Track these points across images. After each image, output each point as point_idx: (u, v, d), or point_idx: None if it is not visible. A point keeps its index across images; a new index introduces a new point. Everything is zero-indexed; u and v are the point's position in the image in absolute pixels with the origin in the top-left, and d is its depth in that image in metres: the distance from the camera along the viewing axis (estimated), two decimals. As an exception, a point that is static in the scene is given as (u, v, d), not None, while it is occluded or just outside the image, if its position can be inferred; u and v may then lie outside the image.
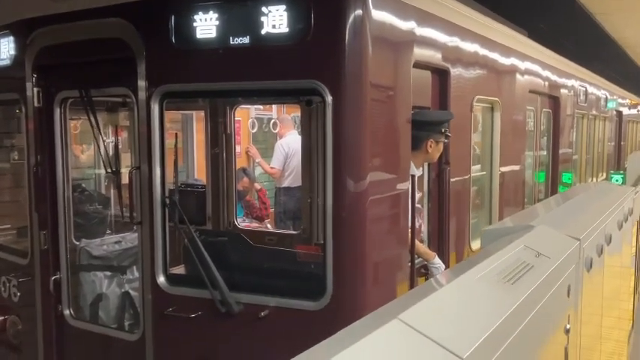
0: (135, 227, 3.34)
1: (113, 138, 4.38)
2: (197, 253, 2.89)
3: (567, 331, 2.13)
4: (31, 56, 3.43)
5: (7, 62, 3.64)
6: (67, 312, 3.54)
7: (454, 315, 1.32)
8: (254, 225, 6.15)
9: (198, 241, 2.97)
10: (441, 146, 3.54)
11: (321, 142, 2.94)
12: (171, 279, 3.07)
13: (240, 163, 6.20)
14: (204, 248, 2.91)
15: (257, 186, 7.20)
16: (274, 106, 8.02)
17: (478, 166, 4.44)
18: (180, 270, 3.32)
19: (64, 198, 3.54)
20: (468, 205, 4.08)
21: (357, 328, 1.23)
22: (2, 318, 3.80)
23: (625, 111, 13.50)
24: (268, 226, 6.47)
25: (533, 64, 5.74)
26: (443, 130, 3.49)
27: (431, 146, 3.47)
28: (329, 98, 2.65)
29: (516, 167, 5.23)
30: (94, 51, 3.27)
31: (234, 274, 3.01)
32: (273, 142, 7.74)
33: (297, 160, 6.30)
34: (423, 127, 3.36)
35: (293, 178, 6.63)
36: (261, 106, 7.65)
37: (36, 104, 3.47)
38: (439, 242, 3.65)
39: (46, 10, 3.30)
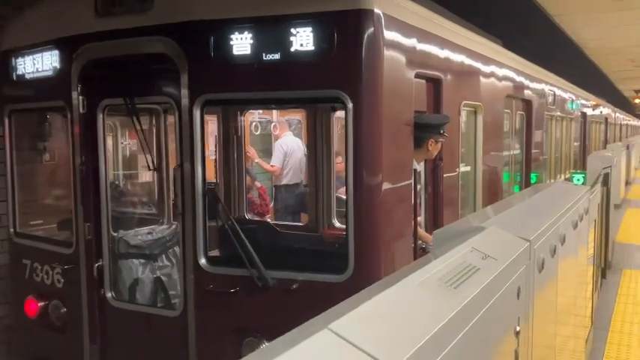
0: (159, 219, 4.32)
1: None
2: (237, 238, 3.35)
3: (517, 334, 2.10)
4: (77, 68, 3.79)
5: (50, 73, 3.99)
6: (109, 294, 3.92)
7: (389, 323, 1.27)
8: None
9: (238, 227, 3.40)
10: (439, 145, 4.04)
11: (325, 142, 4.16)
12: (211, 260, 3.50)
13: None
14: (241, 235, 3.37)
15: (257, 184, 7.56)
16: (273, 111, 8.18)
17: (464, 163, 4.94)
18: (216, 253, 3.72)
19: (105, 194, 3.92)
20: (457, 195, 4.62)
21: (286, 339, 1.16)
22: (44, 303, 4.11)
23: (589, 112, 14.18)
24: (268, 220, 6.64)
25: (509, 71, 6.24)
26: (441, 132, 3.99)
27: (431, 145, 3.97)
28: (350, 105, 3.10)
29: (496, 164, 5.86)
30: (138, 64, 3.72)
31: (267, 254, 3.39)
32: (269, 144, 8.33)
33: (294, 158, 7.04)
34: (426, 129, 3.85)
35: (291, 176, 7.20)
36: (260, 110, 7.86)
37: (81, 111, 3.84)
38: (434, 226, 4.10)
39: (93, 28, 3.69)
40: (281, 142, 7.49)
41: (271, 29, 3.22)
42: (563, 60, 13.05)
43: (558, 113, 9.48)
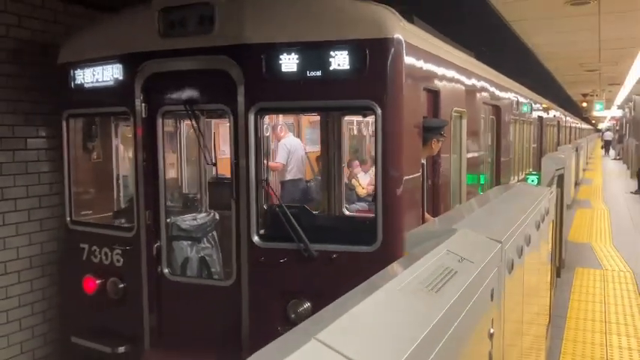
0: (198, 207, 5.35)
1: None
2: (286, 219, 4.03)
3: (491, 336, 2.10)
4: (141, 80, 4.42)
5: (112, 83, 4.59)
6: (166, 270, 4.55)
7: (376, 331, 1.23)
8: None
9: (287, 210, 4.10)
10: (440, 144, 4.85)
11: (337, 142, 5.34)
12: (262, 237, 4.16)
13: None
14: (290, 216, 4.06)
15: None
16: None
17: (454, 157, 5.86)
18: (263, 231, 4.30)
19: (163, 186, 4.56)
20: (449, 184, 5.56)
21: (270, 352, 1.10)
22: (102, 280, 4.71)
23: (544, 116, 15.28)
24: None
25: (484, 81, 7.12)
26: (442, 133, 4.80)
27: (434, 144, 4.74)
28: (379, 111, 3.86)
29: (476, 160, 6.90)
30: (197, 77, 4.35)
31: (309, 232, 4.05)
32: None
33: (297, 156, 7.94)
34: (430, 131, 4.61)
35: (295, 172, 8.03)
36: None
37: (143, 116, 4.47)
38: (434, 209, 5.02)
39: (156, 47, 4.31)
40: (285, 142, 8.16)
41: (314, 52, 3.93)
42: (518, 65, 13.58)
43: (520, 117, 10.48)
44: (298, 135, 9.06)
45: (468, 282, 1.73)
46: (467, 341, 1.75)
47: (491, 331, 2.09)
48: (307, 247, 3.97)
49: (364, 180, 7.62)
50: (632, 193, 18.12)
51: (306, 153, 8.27)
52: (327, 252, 3.97)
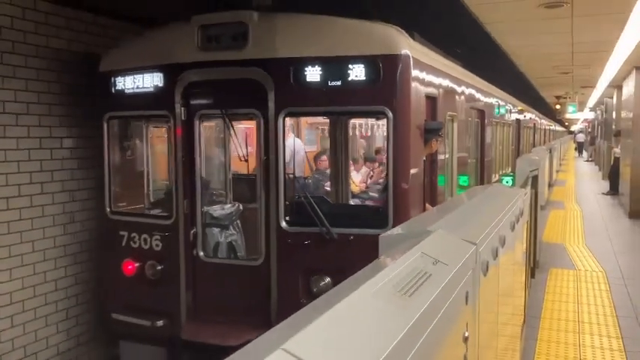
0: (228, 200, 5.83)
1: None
2: (310, 207, 4.63)
3: (466, 339, 2.07)
4: (180, 87, 4.98)
5: (152, 89, 5.15)
6: (201, 253, 5.13)
7: (347, 338, 1.18)
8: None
9: (312, 200, 4.72)
10: (438, 143, 5.49)
11: (344, 142, 6.06)
12: (289, 222, 4.76)
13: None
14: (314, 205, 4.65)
15: None
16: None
17: (447, 155, 6.56)
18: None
19: (199, 179, 5.15)
20: (444, 177, 6.32)
21: (236, 362, 1.05)
22: (141, 263, 5.25)
23: (521, 118, 16.22)
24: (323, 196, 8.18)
25: (471, 88, 7.82)
26: (440, 134, 5.45)
27: (434, 143, 5.33)
28: (390, 115, 4.47)
29: (465, 158, 7.71)
30: (231, 85, 4.91)
31: (330, 217, 4.63)
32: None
33: (299, 156, 8.08)
34: (431, 132, 5.18)
35: (297, 171, 8.34)
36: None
37: (182, 118, 5.03)
38: (432, 199, 5.61)
39: (194, 58, 4.89)
40: (288, 143, 8.45)
41: (334, 65, 4.54)
42: (493, 66, 13.75)
43: (501, 120, 11.38)
44: (298, 136, 9.32)
45: (442, 285, 1.70)
46: (441, 346, 1.71)
47: (466, 334, 2.06)
48: (329, 230, 4.58)
49: (357, 178, 7.95)
50: (604, 194, 18.44)
51: (305, 152, 8.58)
52: (345, 235, 4.56)
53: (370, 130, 11.29)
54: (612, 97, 21.28)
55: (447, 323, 1.79)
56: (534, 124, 21.92)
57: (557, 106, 26.39)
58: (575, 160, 40.37)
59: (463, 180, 7.38)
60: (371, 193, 7.12)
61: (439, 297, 1.65)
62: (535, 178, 7.65)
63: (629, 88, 14.89)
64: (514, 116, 14.11)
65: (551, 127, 37.92)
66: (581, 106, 28.85)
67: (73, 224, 5.94)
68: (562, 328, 6.26)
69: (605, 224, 13.08)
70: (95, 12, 6.05)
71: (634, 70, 13.79)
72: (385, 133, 4.71)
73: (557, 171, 26.43)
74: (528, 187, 6.37)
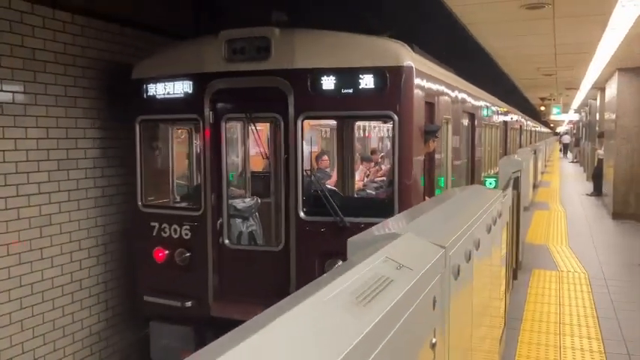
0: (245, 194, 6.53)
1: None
2: (326, 199, 5.24)
3: (433, 346, 2.01)
4: (209, 94, 5.61)
5: (182, 95, 5.74)
6: (226, 241, 5.74)
7: (290, 350, 1.11)
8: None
9: (327, 192, 5.35)
10: (435, 143, 6.07)
11: (350, 143, 6.78)
12: (306, 212, 5.37)
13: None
14: (329, 197, 5.29)
15: None
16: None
17: (442, 154, 7.17)
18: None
19: (226, 175, 5.78)
20: (441, 173, 6.95)
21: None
22: (170, 251, 5.83)
23: (508, 121, 16.96)
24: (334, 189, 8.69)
25: (463, 93, 8.52)
26: (437, 135, 6.05)
27: (431, 143, 5.92)
28: (396, 118, 5.11)
29: (458, 156, 8.50)
30: (255, 92, 5.52)
31: (343, 208, 5.23)
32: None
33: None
34: (429, 133, 5.80)
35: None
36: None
37: (210, 122, 5.66)
38: (429, 192, 6.20)
39: (222, 68, 5.52)
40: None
41: (347, 75, 5.16)
42: (478, 69, 13.84)
43: (489, 122, 12.16)
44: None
45: (404, 291, 1.63)
46: (403, 354, 1.65)
47: (434, 340, 2.00)
48: (342, 219, 5.19)
49: (356, 176, 8.36)
50: (588, 195, 18.54)
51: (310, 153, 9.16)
52: (356, 223, 5.01)
53: (365, 133, 11.50)
54: (596, 99, 21.43)
55: (411, 331, 1.72)
56: (520, 125, 22.64)
57: (542, 108, 26.53)
58: (561, 162, 40.66)
59: (455, 173, 8.30)
60: (368, 191, 7.66)
61: (400, 303, 1.58)
62: (517, 180, 7.63)
63: (611, 89, 14.99)
64: (501, 118, 14.83)
65: (537, 129, 38.25)
66: (565, 108, 29.05)
67: (103, 217, 6.63)
68: (543, 329, 6.24)
69: (588, 225, 13.13)
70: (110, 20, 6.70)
71: (616, 72, 13.88)
72: (386, 135, 5.83)
73: (542, 172, 26.57)
74: (509, 189, 6.34)
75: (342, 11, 7.59)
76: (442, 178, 7.30)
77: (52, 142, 5.90)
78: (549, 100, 24.18)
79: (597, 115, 20.60)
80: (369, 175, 8.44)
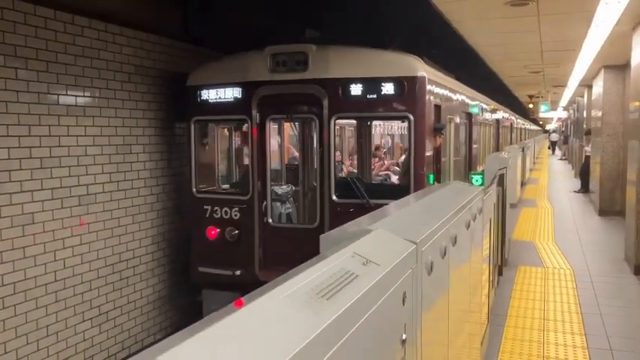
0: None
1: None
2: (354, 184, 6.41)
3: (403, 342, 2.00)
4: (256, 99, 6.66)
5: (232, 100, 6.81)
6: (270, 220, 6.79)
7: (239, 348, 1.09)
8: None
9: (355, 180, 6.51)
10: (441, 139, 7.22)
11: (367, 140, 8.01)
12: (338, 195, 6.41)
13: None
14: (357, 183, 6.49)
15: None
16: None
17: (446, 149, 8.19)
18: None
19: (269, 166, 6.81)
20: (445, 166, 8.02)
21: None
22: (221, 229, 6.90)
23: (500, 119, 18.14)
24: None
25: (463, 95, 9.62)
26: (442, 132, 7.10)
27: (438, 139, 6.99)
28: (412, 118, 6.16)
29: (458, 151, 9.60)
30: (295, 97, 6.60)
31: (367, 192, 6.39)
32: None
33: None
34: (437, 130, 6.83)
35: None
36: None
37: (257, 122, 6.71)
38: (437, 179, 7.06)
39: (267, 78, 6.59)
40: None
41: (371, 83, 6.23)
42: (465, 67, 13.96)
43: (483, 121, 13.33)
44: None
45: (368, 286, 1.62)
46: (369, 350, 1.63)
47: (404, 337, 1.99)
48: (368, 201, 6.24)
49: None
50: (575, 192, 18.65)
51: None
52: (379, 204, 5.70)
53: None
54: (583, 96, 21.55)
55: (377, 326, 1.71)
56: (511, 123, 23.43)
57: (531, 105, 26.64)
58: (549, 159, 40.88)
59: (456, 165, 9.45)
60: (373, 182, 8.29)
61: (363, 299, 1.57)
62: (502, 177, 7.65)
63: (598, 87, 15.07)
64: (494, 117, 16.06)
65: (527, 127, 38.48)
66: (554, 105, 29.19)
67: (157, 203, 7.60)
68: (527, 325, 6.26)
69: (575, 222, 13.21)
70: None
71: (602, 69, 13.95)
72: (396, 133, 7.31)
73: (531, 169, 26.69)
74: (494, 185, 6.35)
75: (352, 23, 9.30)
76: (447, 170, 8.38)
77: (119, 139, 6.90)
78: (537, 97, 24.29)
79: (584, 112, 20.72)
80: (374, 169, 9.16)
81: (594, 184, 15.55)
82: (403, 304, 1.99)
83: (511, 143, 22.41)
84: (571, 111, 32.10)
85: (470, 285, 3.85)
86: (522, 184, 18.89)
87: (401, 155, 10.42)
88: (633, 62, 8.99)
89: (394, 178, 8.86)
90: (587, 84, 18.17)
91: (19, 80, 5.57)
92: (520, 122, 31.14)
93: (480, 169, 11.37)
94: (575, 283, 7.97)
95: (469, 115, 10.64)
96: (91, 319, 6.52)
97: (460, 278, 3.36)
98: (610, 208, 14.03)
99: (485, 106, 13.33)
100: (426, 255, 2.33)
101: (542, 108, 24.01)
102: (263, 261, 6.77)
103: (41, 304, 5.84)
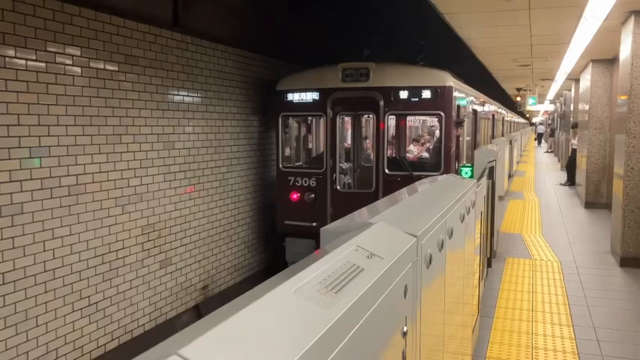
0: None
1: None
2: (402, 161, 9.09)
3: (405, 334, 2.02)
4: (330, 101, 8.91)
5: (311, 101, 9.08)
6: (338, 187, 9.02)
7: (257, 341, 1.10)
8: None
9: (405, 160, 9.17)
10: (460, 130, 9.24)
11: (403, 131, 10.84)
12: (389, 168, 8.68)
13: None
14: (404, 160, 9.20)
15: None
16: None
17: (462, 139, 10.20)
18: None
19: (339, 148, 9.08)
20: (462, 149, 10.21)
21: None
22: (301, 194, 9.16)
23: (495, 113, 19.63)
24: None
25: (472, 96, 11.60)
26: (462, 125, 9.28)
27: (459, 130, 9.12)
28: (443, 115, 8.46)
29: (469, 140, 11.85)
30: (359, 100, 8.80)
31: (411, 166, 8.88)
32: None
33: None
34: (459, 124, 8.95)
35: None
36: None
37: (330, 117, 8.94)
38: (458, 158, 9.29)
39: (339, 85, 8.87)
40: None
41: (414, 90, 8.45)
42: (456, 60, 14.05)
43: (484, 116, 15.43)
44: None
45: (373, 280, 1.63)
46: (374, 343, 1.65)
47: (405, 329, 2.01)
48: (411, 173, 8.55)
49: (414, 151, 11.43)
50: (561, 184, 18.83)
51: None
52: (420, 175, 8.05)
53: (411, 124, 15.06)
54: (570, 90, 21.70)
55: (382, 319, 1.72)
56: (503, 117, 24.58)
57: (518, 98, 26.78)
58: (536, 151, 41.18)
59: (467, 151, 11.32)
60: (419, 158, 10.55)
61: (370, 292, 1.58)
62: (492, 169, 7.70)
63: (585, 81, 15.19)
64: (491, 112, 18.22)
65: (516, 120, 38.89)
66: (541, 99, 29.37)
67: (252, 179, 9.88)
68: (516, 317, 6.34)
69: (561, 214, 13.35)
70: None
71: (590, 64, 14.06)
72: (434, 125, 9.97)
73: (518, 162, 26.88)
74: (484, 178, 6.39)
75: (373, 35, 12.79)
76: (463, 152, 10.42)
77: (225, 135, 8.92)
78: (525, 90, 24.42)
79: (571, 105, 20.87)
80: (415, 152, 11.58)
81: (580, 176, 15.71)
82: (405, 297, 2.01)
83: (503, 135, 23.57)
84: (558, 104, 32.33)
85: (463, 277, 3.88)
86: (510, 176, 19.03)
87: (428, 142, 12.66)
88: (621, 56, 9.07)
89: (428, 157, 10.93)
90: (574, 78, 18.30)
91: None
92: (510, 115, 32.08)
93: None
94: (563, 274, 8.07)
95: (475, 112, 12.78)
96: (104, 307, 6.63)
97: (455, 270, 3.39)
98: (596, 201, 14.20)
99: (486, 103, 15.93)
100: (426, 248, 2.35)
101: (530, 101, 24.14)
102: (333, 216, 8.74)
103: (30, 294, 5.82)
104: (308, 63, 9.84)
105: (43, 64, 5.72)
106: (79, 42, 6.17)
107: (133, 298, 6.99)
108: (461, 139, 9.92)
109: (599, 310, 6.58)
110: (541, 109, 37.76)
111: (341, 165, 9.35)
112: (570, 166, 18.55)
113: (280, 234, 9.51)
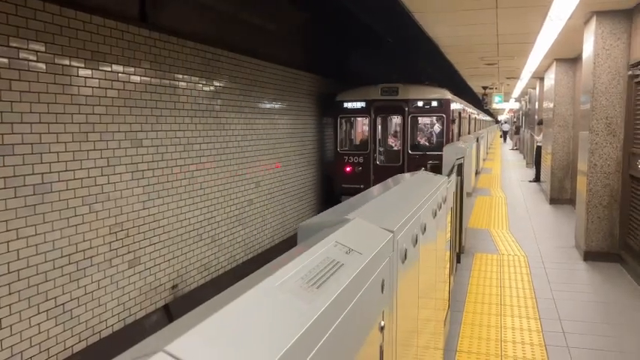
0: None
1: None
2: (421, 147, 14.77)
3: (382, 329, 2.03)
4: (373, 107, 14.36)
5: (360, 108, 14.51)
6: (377, 162, 14.37)
7: (242, 338, 1.09)
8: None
9: (418, 143, 14.89)
10: (454, 126, 14.66)
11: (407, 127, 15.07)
12: (411, 149, 14.28)
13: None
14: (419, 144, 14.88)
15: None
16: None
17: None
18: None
19: (378, 138, 14.60)
20: (455, 138, 15.40)
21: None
22: (352, 168, 14.40)
23: (470, 113, 23.51)
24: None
25: (459, 103, 15.63)
26: (455, 122, 14.47)
27: (454, 125, 14.38)
28: (444, 117, 14.06)
29: (455, 132, 16.20)
30: (391, 105, 14.31)
31: (425, 149, 14.67)
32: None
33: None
34: (453, 121, 14.51)
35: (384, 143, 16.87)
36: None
37: (373, 118, 14.32)
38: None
39: (379, 97, 14.41)
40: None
41: (427, 101, 14.05)
42: (425, 58, 14.63)
43: (464, 116, 19.21)
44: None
45: (353, 275, 1.64)
46: (353, 337, 1.66)
47: (382, 323, 2.03)
48: (425, 153, 13.83)
49: (393, 144, 15.64)
50: (530, 181, 19.23)
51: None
52: (430, 155, 13.67)
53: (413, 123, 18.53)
54: (535, 88, 22.16)
55: (360, 313, 1.73)
56: (476, 117, 28.82)
57: (484, 97, 27.27)
58: (501, 148, 41.95)
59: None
60: (430, 143, 15.19)
61: (350, 287, 1.59)
62: (460, 166, 7.81)
63: (550, 79, 15.54)
64: (467, 113, 21.96)
65: (484, 118, 39.88)
66: (506, 97, 29.91)
67: (307, 164, 13.87)
68: (485, 311, 6.46)
69: (527, 210, 13.64)
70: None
71: (554, 62, 14.39)
72: (442, 124, 14.26)
73: (485, 159, 27.35)
74: (453, 175, 6.48)
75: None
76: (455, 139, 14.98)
77: (282, 133, 12.17)
78: (491, 89, 24.86)
79: (536, 103, 21.32)
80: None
81: (545, 173, 16.07)
82: (382, 292, 2.03)
83: (475, 130, 27.76)
84: (523, 102, 32.98)
85: (435, 272, 3.93)
86: (477, 173, 19.36)
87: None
88: (584, 55, 9.31)
89: (434, 142, 15.15)
90: (539, 76, 18.69)
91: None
92: (480, 114, 35.24)
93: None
94: (529, 269, 8.25)
95: (459, 113, 17.03)
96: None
97: (428, 265, 3.44)
98: (560, 197, 14.54)
99: (465, 107, 20.39)
100: (401, 243, 2.38)
101: (496, 99, 24.59)
102: (374, 181, 13.26)
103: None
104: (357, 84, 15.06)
105: (6, 60, 5.56)
106: (43, 37, 6.02)
107: (108, 299, 6.88)
108: (454, 130, 14.95)
109: (564, 303, 6.75)
110: (506, 107, 38.49)
111: (378, 148, 14.37)
112: (537, 163, 18.97)
113: (337, 194, 14.15)
